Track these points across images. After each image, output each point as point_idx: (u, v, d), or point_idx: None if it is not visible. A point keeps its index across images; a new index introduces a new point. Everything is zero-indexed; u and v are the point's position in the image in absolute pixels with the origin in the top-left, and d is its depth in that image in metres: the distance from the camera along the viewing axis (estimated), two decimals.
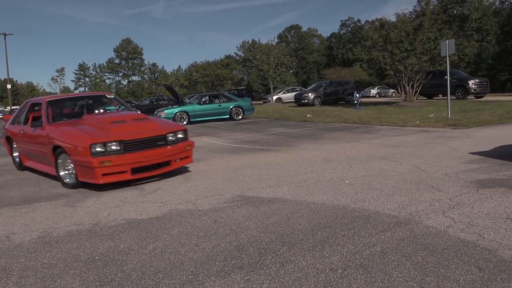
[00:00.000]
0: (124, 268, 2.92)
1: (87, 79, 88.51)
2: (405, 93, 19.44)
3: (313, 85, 28.69)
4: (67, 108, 7.69)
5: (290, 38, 75.04)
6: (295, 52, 67.90)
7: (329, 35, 73.60)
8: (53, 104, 6.93)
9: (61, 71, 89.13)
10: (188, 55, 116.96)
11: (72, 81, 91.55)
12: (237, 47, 73.30)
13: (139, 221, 3.97)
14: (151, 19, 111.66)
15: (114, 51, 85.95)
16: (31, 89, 78.16)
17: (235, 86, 50.90)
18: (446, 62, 12.39)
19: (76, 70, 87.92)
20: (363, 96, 23.05)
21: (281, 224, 3.58)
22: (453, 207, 3.77)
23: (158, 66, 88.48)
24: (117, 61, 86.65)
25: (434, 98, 23.81)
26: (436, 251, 2.84)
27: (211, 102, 18.11)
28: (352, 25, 67.78)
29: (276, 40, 65.96)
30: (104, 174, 5.17)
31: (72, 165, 5.51)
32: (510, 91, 31.23)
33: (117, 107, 7.84)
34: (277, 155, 7.37)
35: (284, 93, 33.66)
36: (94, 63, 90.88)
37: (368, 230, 3.31)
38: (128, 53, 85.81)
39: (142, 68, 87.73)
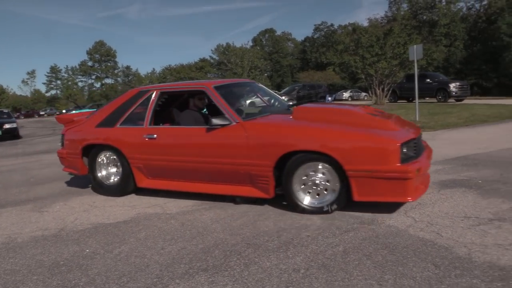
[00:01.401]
0: (89, 272, 2.90)
1: (58, 81, 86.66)
2: (376, 96, 19.85)
3: (286, 88, 28.94)
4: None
5: (264, 42, 75.46)
6: (269, 55, 68.33)
7: (303, 39, 74.37)
8: (224, 91, 4.67)
9: (32, 73, 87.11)
10: (162, 58, 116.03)
11: (44, 83, 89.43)
12: (211, 50, 73.27)
13: (106, 225, 3.94)
14: (125, 22, 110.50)
15: (87, 53, 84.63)
16: (0, 91, 76.02)
17: None
18: (414, 67, 12.69)
19: (48, 73, 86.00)
20: (336, 99, 23.42)
21: (247, 226, 3.62)
22: (415, 207, 3.89)
23: (132, 69, 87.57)
24: (90, 63, 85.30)
25: (414, 101, 24.37)
26: (396, 250, 2.93)
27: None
28: (325, 29, 68.68)
29: (250, 43, 66.20)
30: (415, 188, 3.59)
31: (322, 180, 3.82)
32: (477, 95, 32.24)
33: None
34: None
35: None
36: (67, 66, 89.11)
37: (332, 231, 3.38)
38: (101, 55, 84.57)
39: (116, 71, 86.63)
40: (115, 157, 5.00)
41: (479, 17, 40.24)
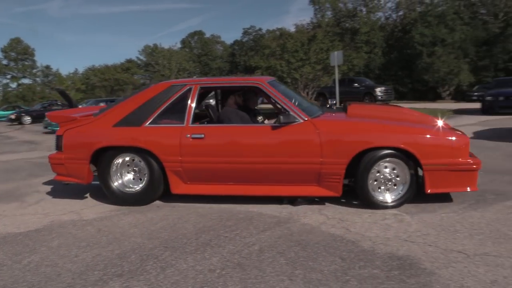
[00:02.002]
0: None
1: None
2: None
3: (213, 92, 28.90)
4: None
5: (193, 44, 74.88)
6: (198, 58, 67.87)
7: (232, 42, 74.89)
8: (277, 87, 4.50)
9: None
10: (85, 58, 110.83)
11: None
12: (138, 51, 71.15)
13: (15, 235, 3.73)
14: (46, 18, 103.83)
15: (1, 51, 78.37)
16: None
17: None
18: (335, 72, 13.34)
19: None
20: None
21: (166, 229, 3.62)
22: (329, 205, 4.11)
23: (52, 68, 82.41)
24: (4, 62, 79.06)
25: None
26: (308, 246, 3.10)
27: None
28: (254, 33, 69.66)
29: (179, 45, 65.28)
30: None
31: (394, 175, 3.95)
32: (394, 99, 34.44)
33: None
34: None
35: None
36: None
37: (249, 231, 3.48)
38: (18, 53, 78.76)
39: (34, 71, 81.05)
40: (139, 161, 4.39)
41: (395, 26, 43.07)
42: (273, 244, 3.17)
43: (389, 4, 43.57)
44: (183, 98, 4.35)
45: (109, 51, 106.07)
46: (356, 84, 21.14)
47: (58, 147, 4.58)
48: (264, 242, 3.22)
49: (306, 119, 4.01)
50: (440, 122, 4.14)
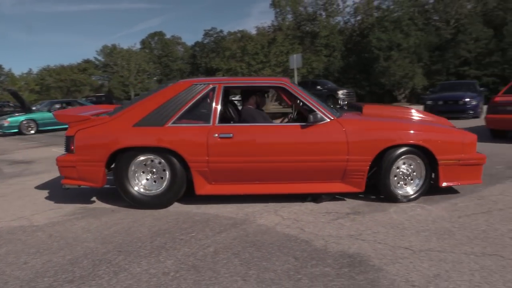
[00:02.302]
0: None
1: None
2: None
3: None
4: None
5: (153, 45, 73.79)
6: (158, 59, 66.92)
7: (193, 43, 74.33)
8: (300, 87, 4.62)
9: None
10: (40, 57, 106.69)
11: None
12: (96, 51, 69.30)
13: None
14: None
15: None
16: None
17: (95, 92, 48.07)
18: (294, 74, 13.53)
19: None
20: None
21: (121, 233, 3.57)
22: (285, 206, 4.19)
23: (4, 68, 78.87)
24: None
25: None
26: (263, 247, 3.15)
27: (63, 109, 16.87)
28: (215, 35, 69.50)
29: (138, 46, 64.11)
30: None
31: (411, 171, 4.28)
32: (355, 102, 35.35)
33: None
34: None
35: None
36: None
37: (205, 233, 3.50)
38: None
39: None
40: (158, 162, 4.27)
41: (354, 31, 44.15)
42: (228, 245, 3.20)
43: (347, 9, 44.64)
44: (207, 98, 4.32)
45: (65, 51, 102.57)
46: (319, 87, 21.49)
47: (69, 148, 4.31)
48: (219, 243, 3.24)
49: (332, 118, 4.18)
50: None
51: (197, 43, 72.92)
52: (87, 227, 3.78)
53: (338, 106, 5.72)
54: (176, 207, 4.32)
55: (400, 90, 31.33)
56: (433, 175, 4.31)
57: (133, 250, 3.18)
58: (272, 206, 4.22)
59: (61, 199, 4.84)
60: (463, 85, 14.58)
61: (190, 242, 3.29)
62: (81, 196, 4.92)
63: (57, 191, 5.30)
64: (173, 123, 4.19)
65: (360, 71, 35.59)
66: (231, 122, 4.68)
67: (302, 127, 4.16)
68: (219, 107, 4.25)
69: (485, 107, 9.85)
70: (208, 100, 4.31)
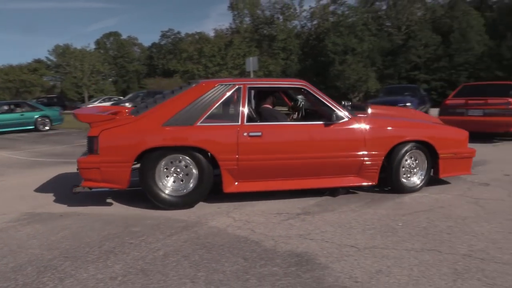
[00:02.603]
0: None
1: None
2: None
3: (130, 95, 28.14)
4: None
5: (109, 45, 71.95)
6: (114, 60, 65.37)
7: (150, 44, 73.10)
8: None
9: None
10: None
11: None
12: (48, 51, 66.68)
13: None
14: None
15: None
16: None
17: (46, 93, 46.23)
18: (251, 77, 13.61)
19: None
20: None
21: (68, 239, 3.48)
22: (237, 208, 4.23)
23: None
24: None
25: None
26: (213, 249, 3.17)
27: (11, 111, 16.14)
28: (172, 37, 68.69)
29: (93, 46, 62.30)
30: None
31: (415, 164, 4.79)
32: None
33: None
34: None
35: (100, 102, 32.09)
36: None
37: (156, 236, 3.47)
38: None
39: None
40: (184, 163, 4.25)
41: (310, 35, 45.00)
42: (179, 248, 3.20)
43: (304, 13, 45.41)
44: (233, 98, 4.41)
45: (15, 51, 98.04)
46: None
47: (92, 149, 4.16)
48: (169, 246, 3.24)
49: (350, 117, 4.49)
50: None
51: (154, 44, 71.83)
52: (32, 233, 3.66)
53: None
54: (128, 210, 4.26)
55: (355, 93, 32.24)
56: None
57: (81, 256, 3.11)
58: (224, 207, 4.26)
59: (6, 205, 4.65)
60: (406, 89, 15.07)
61: (139, 246, 3.26)
62: (26, 201, 4.76)
63: (2, 197, 5.08)
64: (202, 122, 4.23)
65: (317, 74, 36.31)
66: (258, 121, 4.73)
67: (325, 125, 4.43)
68: (246, 107, 4.36)
69: (434, 110, 10.40)
70: (235, 100, 4.41)
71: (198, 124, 4.21)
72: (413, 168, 4.76)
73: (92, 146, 4.16)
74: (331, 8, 42.94)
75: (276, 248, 3.16)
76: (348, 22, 35.88)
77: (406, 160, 4.68)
